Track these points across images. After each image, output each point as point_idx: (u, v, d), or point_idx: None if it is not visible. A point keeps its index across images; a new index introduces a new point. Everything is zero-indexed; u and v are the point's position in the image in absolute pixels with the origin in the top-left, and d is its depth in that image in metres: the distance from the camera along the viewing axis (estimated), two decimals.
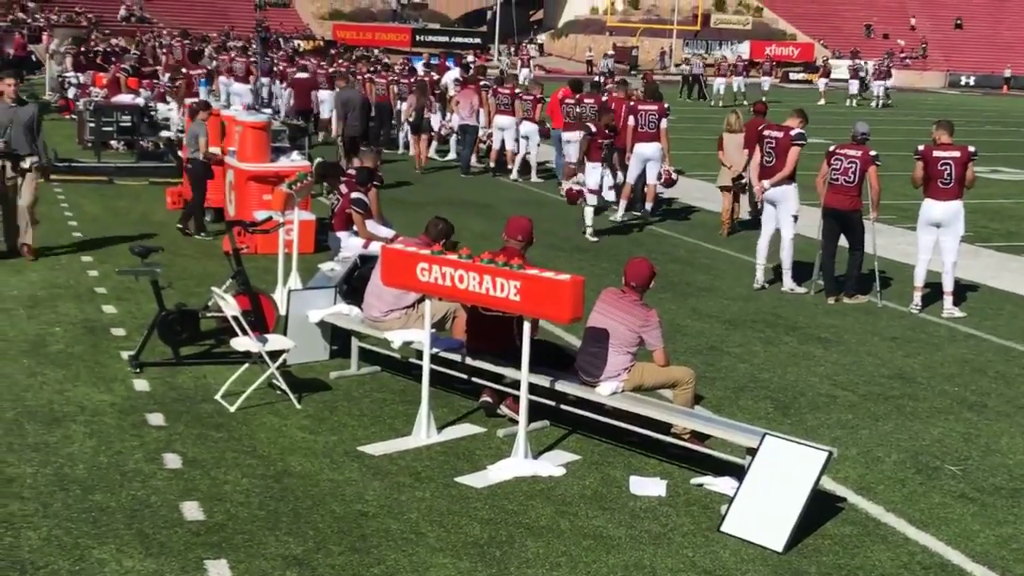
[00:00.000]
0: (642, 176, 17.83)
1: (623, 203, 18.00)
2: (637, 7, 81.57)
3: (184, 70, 26.34)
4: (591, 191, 16.39)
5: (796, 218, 13.56)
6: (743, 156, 16.36)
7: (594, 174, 16.38)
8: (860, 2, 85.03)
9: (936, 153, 12.47)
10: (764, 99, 23.84)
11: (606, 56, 66.20)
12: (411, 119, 24.27)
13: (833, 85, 54.87)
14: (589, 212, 16.69)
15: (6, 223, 13.48)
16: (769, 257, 13.84)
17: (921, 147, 12.68)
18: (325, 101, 27.08)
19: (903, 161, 14.60)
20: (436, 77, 28.22)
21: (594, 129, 16.48)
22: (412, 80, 26.77)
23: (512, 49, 72.83)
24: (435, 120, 24.94)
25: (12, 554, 6.22)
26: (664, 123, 17.55)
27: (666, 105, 17.81)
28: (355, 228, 11.85)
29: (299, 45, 52.72)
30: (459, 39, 73.59)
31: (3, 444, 7.78)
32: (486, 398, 8.81)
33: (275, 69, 32.80)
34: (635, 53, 71.72)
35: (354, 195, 11.87)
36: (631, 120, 17.61)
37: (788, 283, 13.61)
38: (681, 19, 76.53)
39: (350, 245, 11.75)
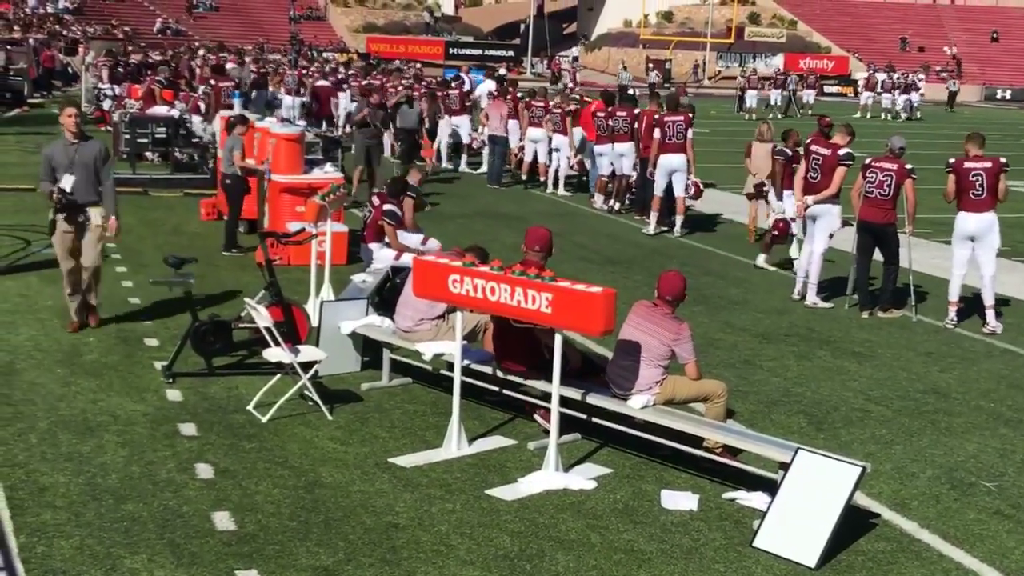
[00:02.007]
0: (669, 188, 17.86)
1: (653, 216, 17.99)
2: (671, 20, 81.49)
3: (212, 82, 26.60)
4: (792, 219, 15.36)
5: (832, 236, 13.50)
6: (769, 165, 16.40)
7: (790, 201, 15.21)
8: (895, 15, 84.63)
9: (967, 165, 12.38)
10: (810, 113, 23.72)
11: (650, 68, 66.18)
12: (426, 125, 25.22)
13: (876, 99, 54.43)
14: (796, 244, 15.61)
15: (72, 289, 11.02)
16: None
17: (952, 160, 12.60)
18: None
19: (938, 175, 14.47)
20: (468, 89, 28.31)
21: (790, 152, 15.66)
22: (422, 88, 27.62)
23: (545, 62, 72.91)
24: (464, 132, 25.15)
25: (45, 563, 6.25)
26: (690, 133, 17.56)
27: (691, 115, 17.82)
28: (387, 240, 11.87)
29: (334, 58, 52.89)
30: (492, 52, 73.70)
31: (37, 453, 7.83)
32: (539, 418, 8.72)
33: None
34: (668, 66, 71.59)
35: (386, 207, 11.91)
36: (657, 132, 17.62)
37: (812, 297, 13.52)
38: (715, 32, 76.36)
39: (381, 257, 11.78)
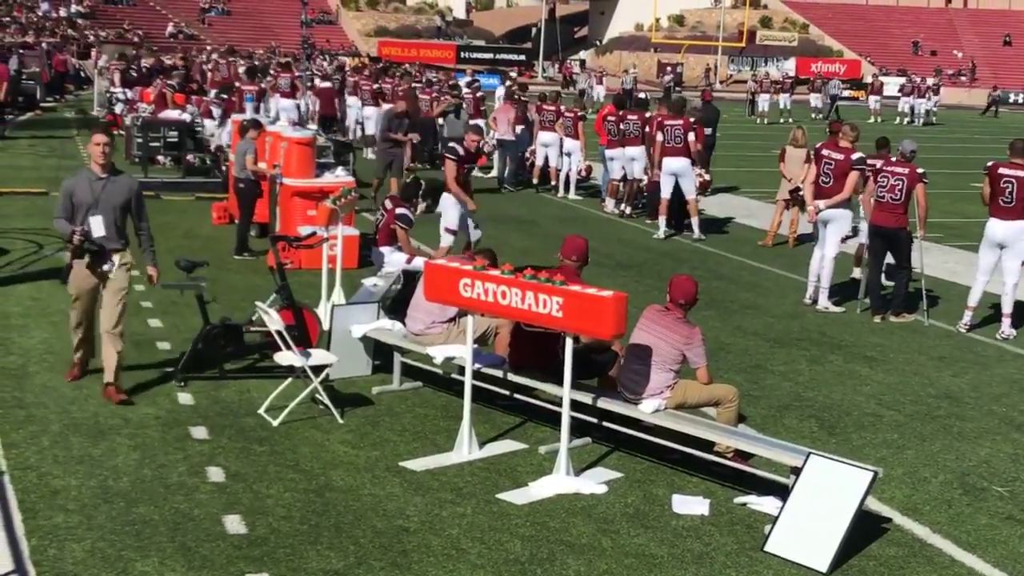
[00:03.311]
0: (677, 191, 17.92)
1: (662, 219, 18.00)
2: (682, 24, 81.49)
3: (237, 84, 26.68)
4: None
5: (845, 240, 13.47)
6: (803, 171, 16.39)
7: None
8: (907, 19, 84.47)
9: (1001, 170, 12.27)
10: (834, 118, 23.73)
11: (667, 72, 66.16)
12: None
13: (886, 103, 54.25)
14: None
15: (83, 339, 9.48)
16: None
17: (990, 163, 12.52)
18: (371, 118, 27.60)
19: (950, 179, 14.47)
20: (481, 95, 28.30)
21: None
22: (373, 87, 28.39)
23: (556, 66, 72.96)
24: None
25: (56, 566, 6.27)
26: (691, 136, 17.58)
27: (692, 120, 17.83)
28: (399, 244, 11.89)
29: (346, 61, 52.97)
30: (503, 56, 73.77)
31: (49, 456, 7.85)
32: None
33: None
34: (680, 70, 71.57)
35: (399, 211, 11.91)
36: (659, 135, 17.68)
37: (823, 302, 13.49)
38: (727, 36, 76.31)
39: (393, 260, 11.79)
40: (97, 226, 8.89)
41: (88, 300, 9.16)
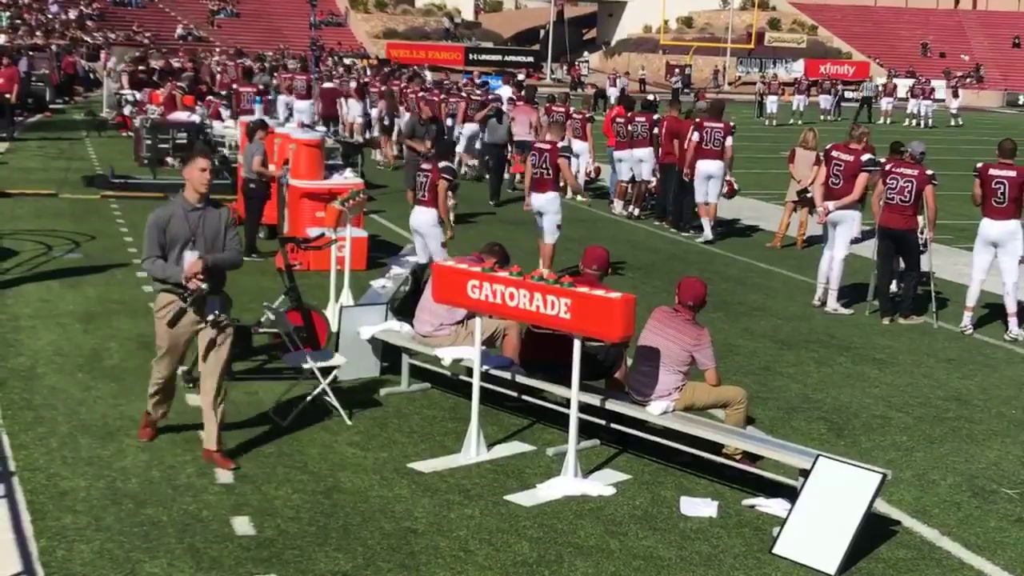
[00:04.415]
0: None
1: (706, 222, 17.92)
2: (690, 25, 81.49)
3: (235, 87, 26.77)
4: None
5: (854, 241, 13.46)
6: (812, 172, 16.37)
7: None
8: (917, 20, 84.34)
9: (992, 172, 12.33)
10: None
11: (675, 74, 66.13)
12: (384, 122, 26.63)
13: (899, 106, 54.07)
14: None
15: (167, 395, 8.26)
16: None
17: (979, 164, 12.55)
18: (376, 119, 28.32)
19: (959, 181, 14.43)
20: (491, 97, 28.29)
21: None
22: (381, 88, 29.12)
23: (565, 67, 72.96)
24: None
25: (65, 567, 6.27)
26: (729, 141, 17.58)
27: (731, 123, 17.81)
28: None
29: (354, 63, 53.06)
30: (512, 57, 73.79)
31: (57, 457, 7.86)
32: None
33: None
34: (688, 72, 71.57)
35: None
36: (695, 137, 17.59)
37: (832, 303, 13.47)
38: (735, 37, 76.30)
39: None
40: (191, 261, 7.71)
41: (181, 353, 8.09)
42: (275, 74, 36.03)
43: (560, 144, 14.17)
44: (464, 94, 26.76)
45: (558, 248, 14.23)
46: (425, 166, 12.78)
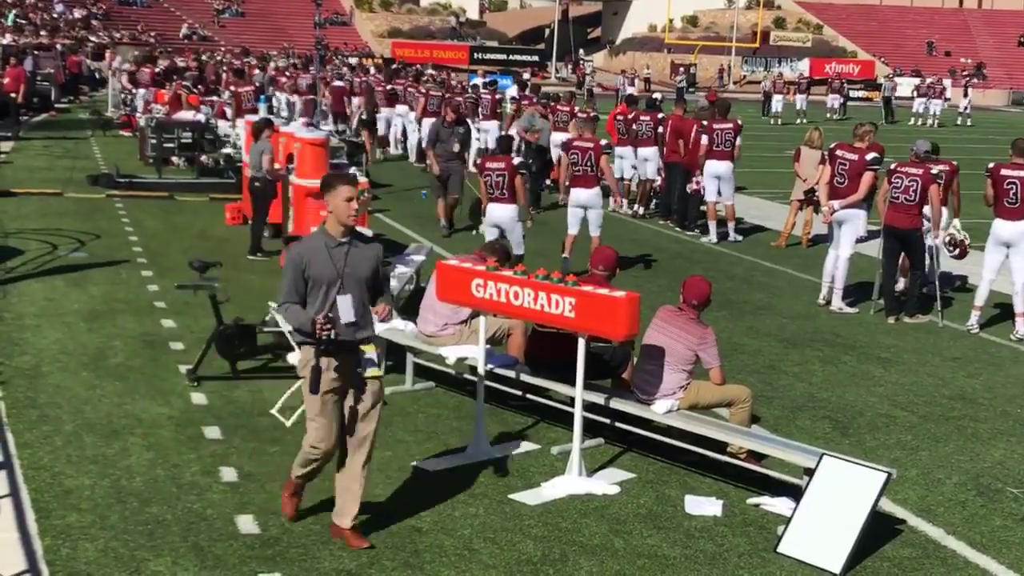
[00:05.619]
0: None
1: (712, 224, 17.87)
2: (695, 24, 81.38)
3: (232, 88, 26.81)
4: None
5: (860, 240, 13.44)
6: (818, 171, 16.33)
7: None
8: (921, 19, 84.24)
9: (1003, 172, 12.26)
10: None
11: (680, 72, 66.06)
12: (363, 116, 26.88)
13: (900, 104, 53.96)
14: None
15: (311, 470, 6.88)
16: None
17: (991, 164, 12.50)
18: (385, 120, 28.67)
19: (967, 180, 14.39)
20: (499, 96, 28.29)
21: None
22: (362, 82, 30.23)
23: (570, 67, 72.93)
24: (492, 138, 25.15)
25: (69, 565, 6.28)
26: (738, 141, 17.56)
27: (740, 122, 17.78)
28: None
29: (360, 61, 53.11)
30: (517, 56, 73.76)
31: (62, 456, 7.87)
32: None
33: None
34: (693, 71, 71.49)
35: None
36: (704, 138, 17.55)
37: (837, 303, 13.45)
38: (740, 36, 76.18)
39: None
40: (346, 309, 6.50)
41: (338, 413, 6.66)
42: (265, 70, 36.56)
43: (602, 143, 14.76)
44: (424, 90, 26.83)
45: (560, 247, 14.30)
46: (495, 165, 13.34)
